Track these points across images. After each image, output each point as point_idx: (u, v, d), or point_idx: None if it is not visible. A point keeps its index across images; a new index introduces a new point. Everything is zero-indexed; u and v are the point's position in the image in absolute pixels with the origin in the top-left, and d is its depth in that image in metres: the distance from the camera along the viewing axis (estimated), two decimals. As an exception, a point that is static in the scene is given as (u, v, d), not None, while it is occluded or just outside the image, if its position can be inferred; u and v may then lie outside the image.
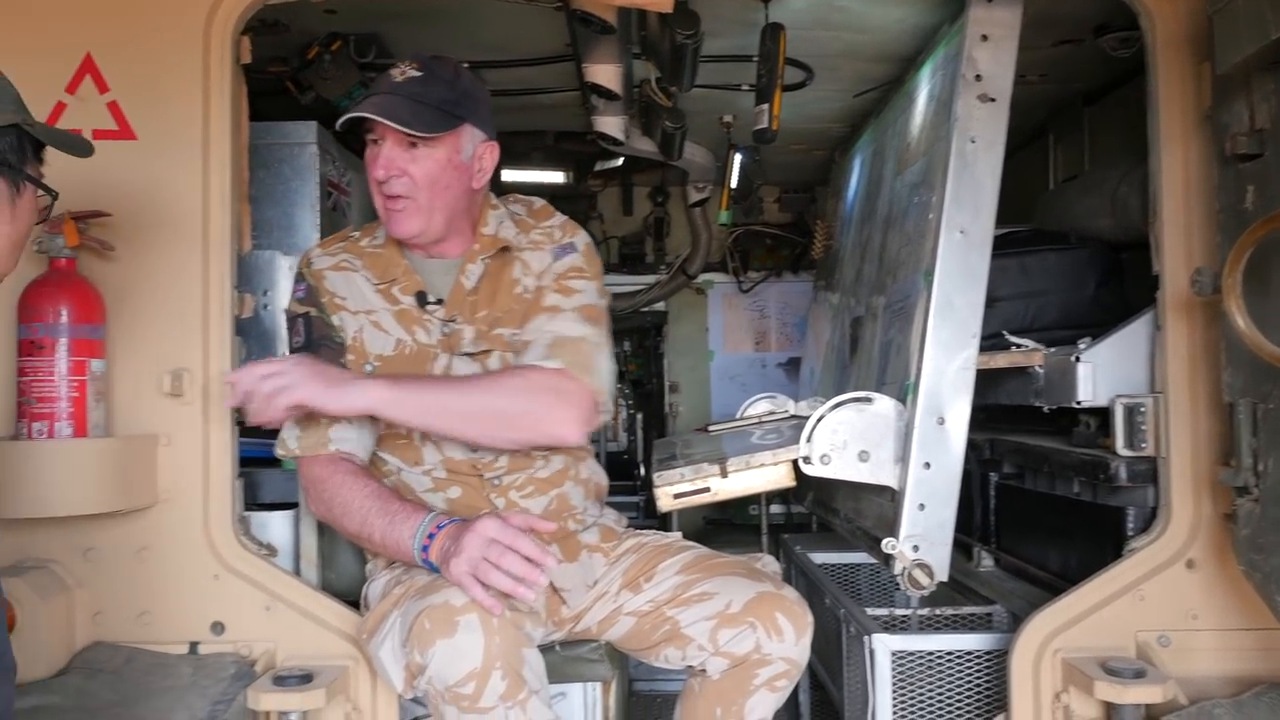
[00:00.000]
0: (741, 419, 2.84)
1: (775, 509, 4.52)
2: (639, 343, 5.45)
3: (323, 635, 2.11)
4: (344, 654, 2.09)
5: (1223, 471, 1.98)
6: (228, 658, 2.08)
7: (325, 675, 2.01)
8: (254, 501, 2.33)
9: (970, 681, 2.30)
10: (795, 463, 2.11)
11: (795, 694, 3.16)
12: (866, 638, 2.34)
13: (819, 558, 3.34)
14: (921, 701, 2.31)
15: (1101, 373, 2.20)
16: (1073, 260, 2.69)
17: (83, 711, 1.89)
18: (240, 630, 2.12)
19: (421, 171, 1.97)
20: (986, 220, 2.08)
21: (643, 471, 4.89)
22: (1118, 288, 2.68)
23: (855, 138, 3.54)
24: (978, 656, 2.30)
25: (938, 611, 2.69)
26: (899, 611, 2.72)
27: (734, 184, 3.89)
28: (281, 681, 1.97)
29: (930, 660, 2.31)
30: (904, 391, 2.10)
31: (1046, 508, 2.47)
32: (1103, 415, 2.22)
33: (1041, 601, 2.20)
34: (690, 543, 2.16)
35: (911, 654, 2.31)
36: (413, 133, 1.94)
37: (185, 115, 2.13)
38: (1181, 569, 2.10)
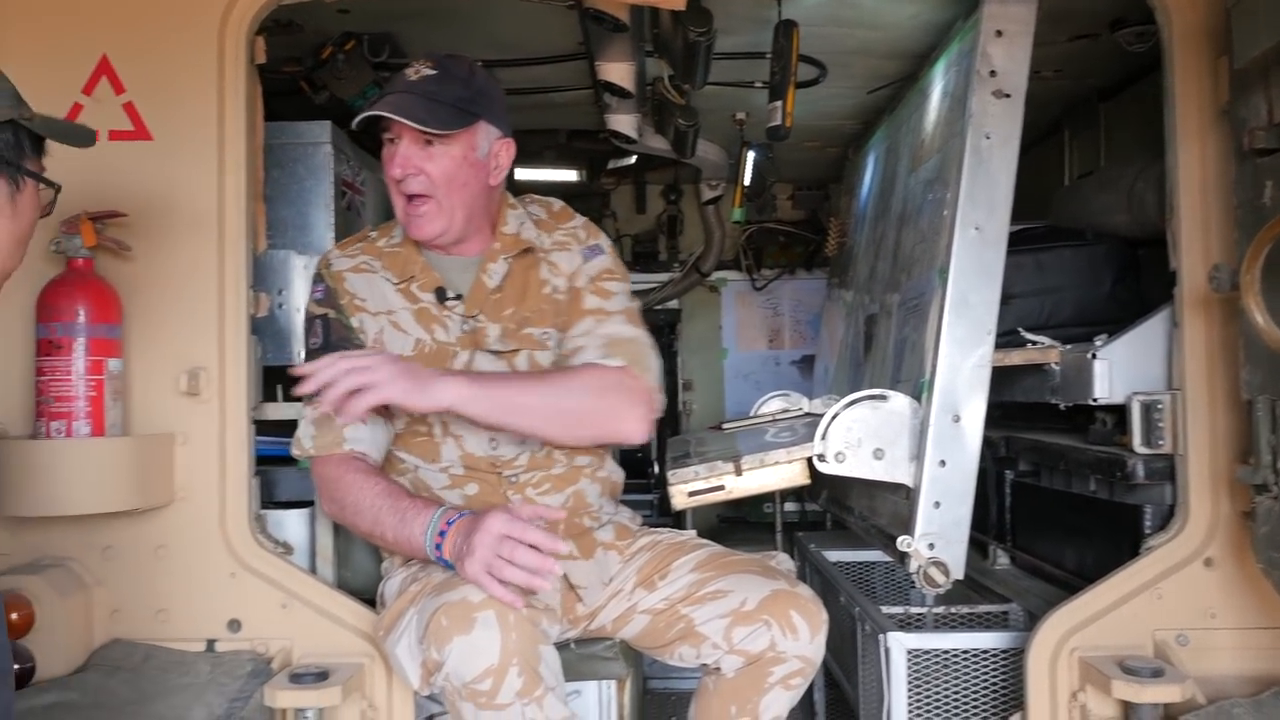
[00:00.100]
0: (755, 417, 2.83)
1: (789, 507, 4.52)
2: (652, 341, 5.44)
3: (338, 633, 2.11)
4: (360, 651, 2.10)
5: (1241, 469, 1.97)
6: (244, 655, 2.09)
7: (341, 673, 2.02)
8: (270, 500, 2.34)
9: (986, 680, 2.29)
10: (810, 460, 2.11)
11: (810, 692, 3.15)
12: (881, 636, 2.33)
13: (833, 556, 3.33)
14: (937, 700, 2.31)
15: (1118, 370, 2.19)
16: (1089, 257, 2.68)
17: (101, 708, 1.90)
18: (257, 628, 2.13)
19: (438, 169, 1.98)
20: (1002, 217, 2.08)
21: (657, 469, 4.88)
22: (1134, 284, 2.66)
23: (869, 134, 3.53)
24: (993, 655, 2.29)
25: (953, 610, 2.68)
26: (914, 610, 2.72)
27: (747, 181, 3.88)
28: (298, 679, 1.98)
29: (946, 659, 2.30)
30: (919, 389, 2.09)
31: (1063, 506, 2.46)
32: (1119, 412, 2.21)
33: (1058, 600, 2.19)
34: (704, 540, 2.16)
35: (927, 652, 2.31)
36: (428, 130, 1.95)
37: (201, 116, 2.15)
38: (1200, 567, 2.09)
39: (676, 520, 3.88)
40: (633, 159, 4.28)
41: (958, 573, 1.98)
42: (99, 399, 2.03)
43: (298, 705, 1.96)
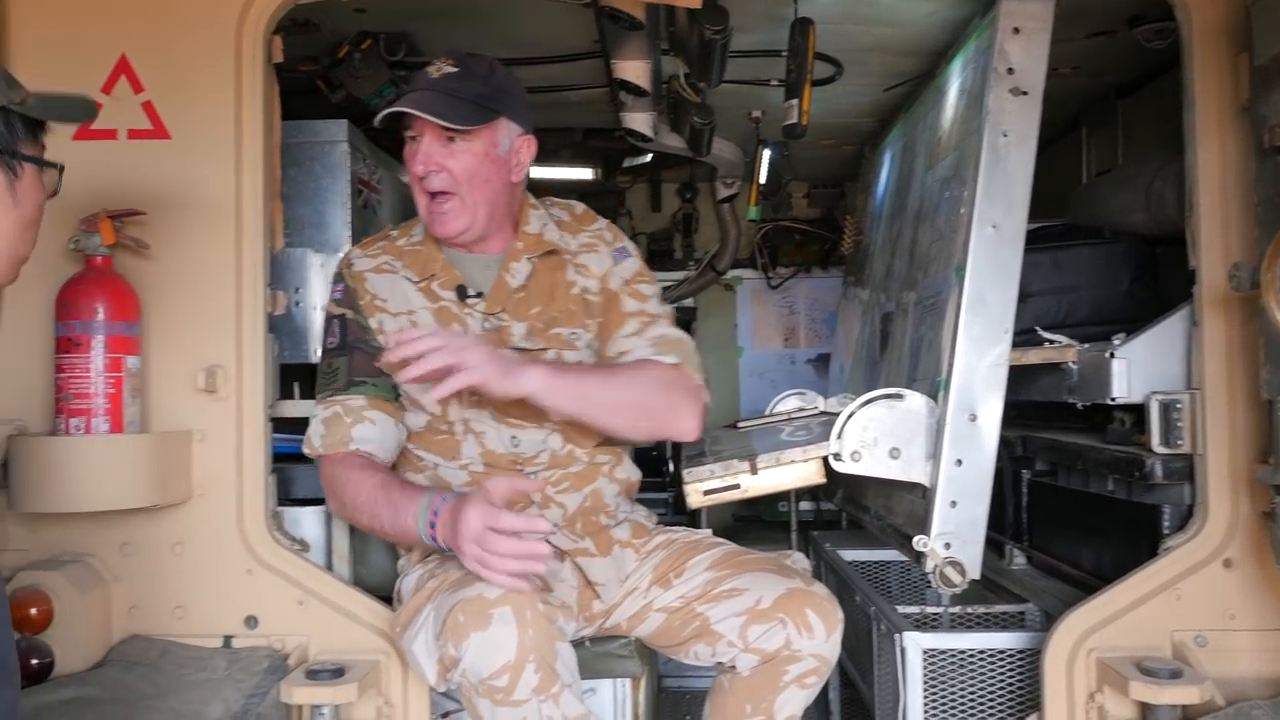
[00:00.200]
0: (771, 415, 2.82)
1: (805, 506, 4.51)
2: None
3: (355, 630, 2.12)
4: (376, 648, 2.11)
5: (1261, 469, 1.95)
6: (261, 651, 2.10)
7: (357, 669, 2.02)
8: (287, 497, 2.35)
9: (1002, 680, 2.28)
10: (825, 459, 2.11)
11: (825, 691, 3.15)
12: (897, 635, 2.33)
13: (849, 555, 3.33)
14: (953, 700, 2.30)
15: (1136, 369, 2.17)
16: (1106, 255, 2.66)
17: (119, 703, 1.91)
18: (273, 624, 2.14)
19: (460, 166, 1.99)
20: (1019, 215, 2.07)
21: (672, 468, 4.88)
22: (1152, 283, 2.65)
23: (885, 132, 3.52)
24: (1010, 655, 2.28)
25: (969, 609, 2.67)
26: (930, 609, 2.71)
27: (763, 179, 3.88)
28: (314, 675, 1.99)
29: (962, 659, 2.30)
30: (935, 388, 2.08)
31: (1080, 505, 2.44)
32: (1137, 412, 2.20)
33: (1075, 600, 2.17)
34: (720, 539, 2.16)
35: (943, 652, 2.30)
36: (449, 126, 1.96)
37: (218, 114, 2.16)
38: (1219, 568, 2.07)
39: (691, 519, 3.88)
40: (648, 157, 4.28)
41: (974, 572, 1.98)
42: (118, 396, 2.04)
43: (314, 702, 1.97)
